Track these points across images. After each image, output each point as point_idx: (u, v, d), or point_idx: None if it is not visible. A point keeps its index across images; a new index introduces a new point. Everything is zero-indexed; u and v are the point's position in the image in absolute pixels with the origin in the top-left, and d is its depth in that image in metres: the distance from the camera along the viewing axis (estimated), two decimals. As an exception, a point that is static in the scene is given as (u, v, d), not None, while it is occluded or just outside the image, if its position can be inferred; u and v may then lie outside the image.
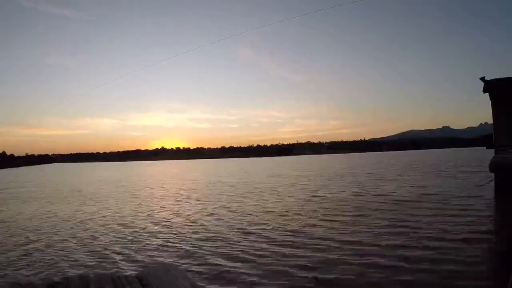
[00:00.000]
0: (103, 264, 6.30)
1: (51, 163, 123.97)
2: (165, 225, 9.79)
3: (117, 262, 6.40)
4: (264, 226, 8.92)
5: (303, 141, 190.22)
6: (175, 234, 8.58)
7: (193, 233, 8.59)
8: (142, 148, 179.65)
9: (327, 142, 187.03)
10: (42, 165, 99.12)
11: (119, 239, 8.17)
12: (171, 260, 6.33)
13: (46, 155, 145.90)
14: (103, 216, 11.51)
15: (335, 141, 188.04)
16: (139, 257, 6.65)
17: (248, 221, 9.70)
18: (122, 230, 9.25)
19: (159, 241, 7.87)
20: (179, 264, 5.94)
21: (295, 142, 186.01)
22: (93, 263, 6.38)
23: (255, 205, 12.77)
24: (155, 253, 6.94)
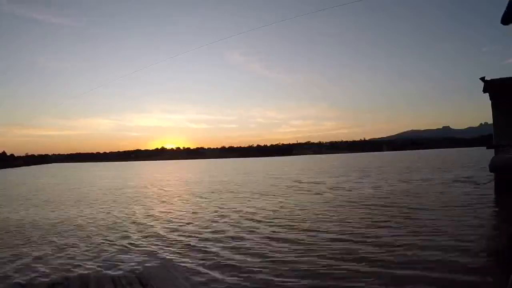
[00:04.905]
0: (103, 264, 6.30)
1: (51, 163, 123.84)
2: (166, 225, 9.79)
3: (117, 262, 6.40)
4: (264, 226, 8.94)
5: (303, 141, 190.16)
6: (176, 234, 8.58)
7: (194, 232, 8.60)
8: (142, 148, 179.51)
9: (327, 142, 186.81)
10: (43, 165, 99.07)
11: (119, 239, 8.17)
12: (171, 260, 6.33)
13: (46, 155, 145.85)
14: (104, 217, 11.52)
15: (335, 141, 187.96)
16: (139, 257, 6.64)
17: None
18: (123, 230, 9.25)
19: (160, 241, 7.87)
20: (179, 264, 5.95)
21: (294, 142, 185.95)
22: (93, 263, 6.38)
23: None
24: (155, 253, 6.95)
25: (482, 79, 12.18)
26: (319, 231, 8.14)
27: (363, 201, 12.29)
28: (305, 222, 9.21)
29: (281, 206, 12.15)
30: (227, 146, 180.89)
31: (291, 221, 9.47)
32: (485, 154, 18.02)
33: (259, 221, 9.64)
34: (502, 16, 5.27)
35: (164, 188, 21.73)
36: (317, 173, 28.74)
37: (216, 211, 11.74)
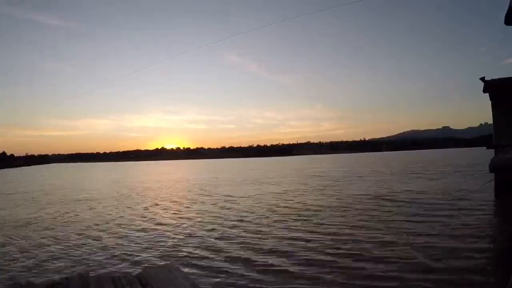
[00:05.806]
0: (103, 264, 6.30)
1: (51, 163, 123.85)
2: (167, 225, 9.79)
3: (117, 262, 6.40)
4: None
5: (303, 141, 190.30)
6: (176, 234, 8.58)
7: (194, 233, 8.59)
8: (142, 149, 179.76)
9: (327, 142, 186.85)
10: (43, 165, 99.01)
11: (119, 239, 8.16)
12: (171, 260, 6.33)
13: (46, 155, 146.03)
14: (104, 217, 11.52)
15: (335, 141, 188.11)
16: (139, 257, 6.65)
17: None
18: (123, 230, 9.25)
19: (160, 241, 7.87)
20: (179, 264, 5.93)
21: (293, 142, 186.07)
22: (93, 263, 6.37)
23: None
24: (155, 253, 6.94)
25: (482, 79, 12.16)
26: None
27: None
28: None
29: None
30: (227, 146, 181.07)
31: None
32: (485, 154, 17.98)
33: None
34: (506, 17, 5.21)
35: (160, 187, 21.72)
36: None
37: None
